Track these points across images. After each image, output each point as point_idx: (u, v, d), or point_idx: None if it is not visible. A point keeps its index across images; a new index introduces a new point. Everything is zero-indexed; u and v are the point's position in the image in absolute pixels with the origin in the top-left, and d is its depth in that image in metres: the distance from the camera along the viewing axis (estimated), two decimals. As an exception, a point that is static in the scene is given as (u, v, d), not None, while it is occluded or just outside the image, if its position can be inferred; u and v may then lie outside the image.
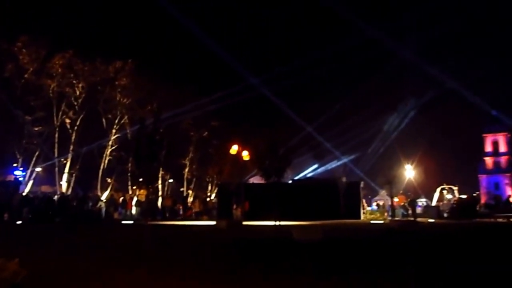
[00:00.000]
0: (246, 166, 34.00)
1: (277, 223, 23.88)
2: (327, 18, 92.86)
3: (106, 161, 40.74)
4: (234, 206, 29.78)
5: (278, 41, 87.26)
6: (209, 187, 48.82)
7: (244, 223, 24.91)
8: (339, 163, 42.66)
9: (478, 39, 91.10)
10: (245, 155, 32.59)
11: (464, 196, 45.29)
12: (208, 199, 42.58)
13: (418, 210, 39.57)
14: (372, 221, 30.31)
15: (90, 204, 32.75)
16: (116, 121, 41.09)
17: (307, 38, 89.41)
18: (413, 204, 35.61)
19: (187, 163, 45.86)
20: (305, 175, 48.15)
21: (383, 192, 40.45)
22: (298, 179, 40.08)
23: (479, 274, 7.78)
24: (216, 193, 37.20)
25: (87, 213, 30.64)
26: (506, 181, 75.55)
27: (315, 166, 49.51)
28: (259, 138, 31.66)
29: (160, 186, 42.15)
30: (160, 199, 40.50)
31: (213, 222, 25.91)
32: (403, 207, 36.59)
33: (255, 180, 34.02)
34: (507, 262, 9.85)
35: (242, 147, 32.90)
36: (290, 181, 37.66)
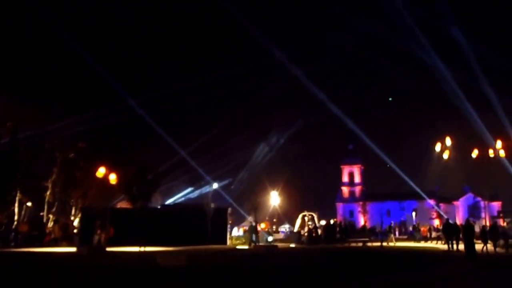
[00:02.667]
0: (114, 190, 33.00)
1: (142, 249, 23.55)
2: (208, 42, 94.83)
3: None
4: (98, 231, 28.54)
5: (154, 63, 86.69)
6: (73, 211, 46.03)
7: (108, 249, 24.06)
8: (210, 188, 43.31)
9: (346, 76, 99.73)
10: (113, 178, 31.66)
11: (323, 223, 48.76)
12: (74, 224, 40.11)
13: (281, 235, 41.68)
14: (237, 247, 31.20)
15: None
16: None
17: (185, 62, 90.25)
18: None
19: (50, 185, 42.84)
20: (177, 199, 47.97)
21: (250, 218, 41.90)
22: (167, 205, 39.84)
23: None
24: (80, 217, 35.31)
25: None
26: (359, 209, 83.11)
27: (188, 190, 49.61)
28: (129, 161, 31.08)
29: (16, 210, 38.71)
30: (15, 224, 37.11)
31: (74, 249, 24.61)
32: (268, 232, 38.27)
33: (124, 204, 33.16)
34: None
35: (110, 170, 31.92)
36: (159, 206, 37.32)
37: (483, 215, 44.47)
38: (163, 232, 29.08)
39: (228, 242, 32.79)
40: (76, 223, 36.12)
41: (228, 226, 34.61)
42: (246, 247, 30.53)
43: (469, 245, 20.75)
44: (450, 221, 27.15)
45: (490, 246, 23.13)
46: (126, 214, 29.93)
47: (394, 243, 32.73)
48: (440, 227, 37.01)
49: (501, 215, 47.65)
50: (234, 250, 29.10)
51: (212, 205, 35.17)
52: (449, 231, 23.15)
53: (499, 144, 33.49)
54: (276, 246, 29.23)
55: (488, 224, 34.54)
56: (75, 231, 34.42)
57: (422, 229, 37.67)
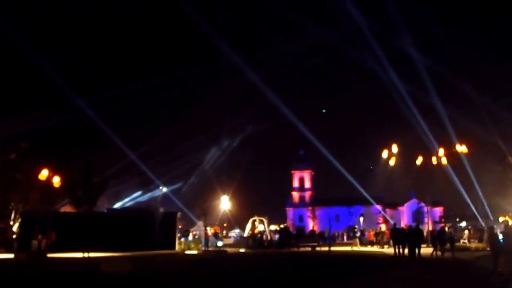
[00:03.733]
0: (57, 193, 31.65)
1: (86, 255, 22.69)
2: (161, 44, 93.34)
3: None
4: (39, 237, 27.24)
5: (104, 62, 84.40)
6: (12, 216, 43.77)
7: (49, 255, 23.02)
8: (160, 192, 42.43)
9: (299, 82, 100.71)
10: (56, 181, 30.37)
11: (273, 227, 49.00)
12: (13, 229, 38.07)
13: (231, 240, 41.47)
14: (186, 252, 30.78)
15: None
16: None
17: (137, 63, 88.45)
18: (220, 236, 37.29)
19: (-14, 188, 40.53)
20: (125, 203, 46.69)
21: (200, 223, 41.41)
22: (113, 209, 38.70)
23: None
24: (20, 222, 33.58)
25: None
26: (309, 214, 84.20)
27: (137, 194, 48.43)
28: (74, 163, 29.94)
29: None
30: None
31: (12, 255, 23.40)
32: (217, 237, 37.90)
33: (68, 208, 31.90)
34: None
35: (54, 172, 30.60)
36: (105, 210, 36.20)
37: (426, 220, 46.01)
38: (108, 237, 28.23)
39: (177, 247, 32.22)
40: (15, 228, 34.32)
41: (177, 230, 34.03)
42: (195, 252, 30.18)
43: (413, 250, 21.33)
44: (398, 226, 27.82)
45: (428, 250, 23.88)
46: (70, 219, 28.87)
47: (359, 247, 33.06)
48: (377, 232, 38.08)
49: (442, 220, 49.61)
50: (182, 255, 28.69)
51: (161, 210, 34.51)
52: (396, 236, 23.52)
53: (441, 152, 34.77)
54: (226, 251, 29.05)
55: (430, 229, 35.69)
56: (14, 236, 32.73)
57: (369, 233, 38.41)
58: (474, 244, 32.99)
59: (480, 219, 41.97)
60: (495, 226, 27.32)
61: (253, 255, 28.04)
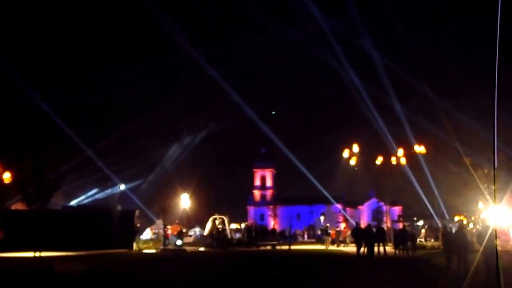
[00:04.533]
0: (8, 190, 30.19)
1: (38, 254, 21.75)
2: (121, 37, 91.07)
3: None
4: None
5: (60, 55, 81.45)
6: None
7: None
8: (118, 189, 41.31)
9: (262, 80, 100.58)
10: (7, 177, 28.96)
11: (233, 226, 48.67)
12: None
13: (191, 239, 40.85)
14: (145, 251, 30.07)
15: None
16: None
17: (94, 56, 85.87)
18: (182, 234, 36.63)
19: None
20: (82, 201, 45.28)
21: (159, 221, 40.58)
22: (68, 206, 37.39)
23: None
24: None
25: None
26: (270, 212, 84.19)
27: (94, 191, 47.05)
28: (26, 159, 28.61)
29: None
30: None
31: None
32: (177, 236, 37.20)
33: (19, 206, 30.57)
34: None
35: (4, 168, 29.16)
36: (59, 208, 34.94)
37: (385, 219, 46.83)
38: (63, 236, 27.19)
39: (135, 246, 31.40)
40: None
41: (136, 229, 33.18)
42: (153, 251, 29.51)
43: (371, 249, 21.43)
44: (361, 225, 27.89)
45: (390, 249, 24.16)
46: (21, 216, 27.62)
47: (327, 247, 33.03)
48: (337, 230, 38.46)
49: (400, 219, 50.52)
50: (140, 254, 28.01)
51: (119, 207, 33.56)
52: (358, 235, 23.43)
53: (400, 152, 35.36)
54: (185, 249, 28.56)
55: (389, 227, 36.28)
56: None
57: (332, 232, 38.58)
58: (430, 243, 33.74)
59: (436, 218, 42.99)
60: (450, 225, 27.97)
61: (213, 254, 27.65)
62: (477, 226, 31.89)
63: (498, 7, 6.59)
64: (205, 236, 39.12)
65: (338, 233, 36.56)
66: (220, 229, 38.25)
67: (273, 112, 56.60)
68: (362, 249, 22.28)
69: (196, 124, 57.59)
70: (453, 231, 19.08)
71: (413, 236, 25.36)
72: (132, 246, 31.00)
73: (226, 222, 42.37)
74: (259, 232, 40.22)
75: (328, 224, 49.93)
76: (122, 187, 39.90)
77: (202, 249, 32.69)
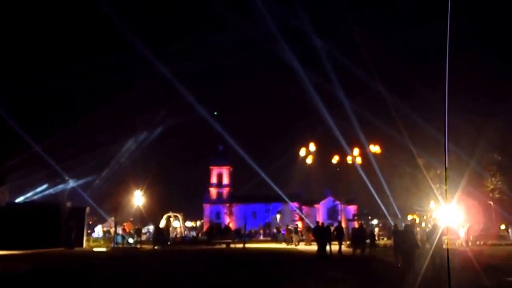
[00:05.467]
0: None
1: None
2: (76, 30, 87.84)
3: None
4: None
5: (9, 46, 77.72)
6: None
7: None
8: (69, 186, 39.87)
9: (219, 76, 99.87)
10: None
11: (189, 224, 48.07)
12: None
13: (145, 237, 39.98)
14: (95, 249, 29.14)
15: None
16: None
17: (46, 49, 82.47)
18: (139, 232, 35.74)
19: None
20: (29, 197, 43.41)
21: (111, 219, 39.47)
22: (14, 203, 35.62)
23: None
24: None
25: None
26: (225, 210, 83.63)
27: (43, 187, 45.23)
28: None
29: None
30: None
31: None
32: (129, 234, 36.30)
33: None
34: None
35: None
36: (4, 205, 33.26)
37: (340, 217, 47.51)
38: (7, 233, 25.88)
39: (85, 244, 30.34)
40: None
41: (86, 227, 32.01)
42: (103, 249, 28.63)
43: (323, 247, 21.40)
44: (324, 224, 27.80)
45: (345, 247, 24.34)
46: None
47: (296, 244, 32.85)
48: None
49: (355, 218, 51.41)
50: (89, 252, 27.09)
51: (69, 204, 32.31)
52: (318, 234, 23.24)
53: (356, 151, 35.86)
54: (137, 248, 27.91)
55: (344, 226, 36.74)
56: None
57: (289, 229, 38.58)
58: (383, 241, 34.36)
59: (389, 218, 43.94)
60: (403, 224, 28.49)
61: (166, 252, 27.04)
62: (429, 225, 32.72)
63: (448, 13, 6.61)
64: (159, 233, 38.31)
65: (291, 231, 36.60)
66: (175, 227, 37.65)
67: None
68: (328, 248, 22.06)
69: (152, 120, 56.42)
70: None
71: (373, 235, 25.64)
72: (82, 244, 29.94)
73: (180, 219, 41.81)
74: (219, 230, 39.89)
75: (280, 224, 50.14)
76: (72, 183, 38.58)
77: (156, 247, 31.98)
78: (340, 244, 23.13)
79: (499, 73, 46.15)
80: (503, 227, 39.73)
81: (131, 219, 44.95)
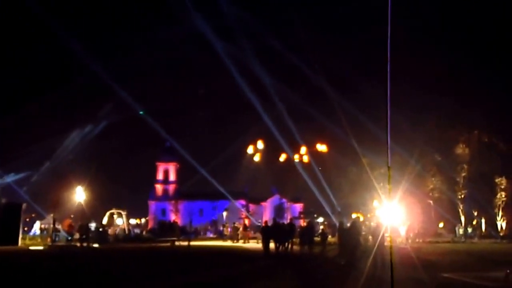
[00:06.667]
0: None
1: None
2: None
3: None
4: None
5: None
6: None
7: None
8: (2, 181, 37.75)
9: (165, 72, 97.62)
10: None
11: (133, 221, 46.86)
12: None
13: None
14: (31, 247, 27.74)
15: None
16: None
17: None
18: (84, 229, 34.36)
19: None
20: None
21: (49, 216, 37.78)
22: None
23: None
24: None
25: None
26: (171, 207, 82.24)
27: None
28: None
29: None
30: None
31: None
32: (69, 232, 34.82)
33: None
34: None
35: None
36: None
37: (286, 215, 47.97)
38: None
39: (20, 242, 28.82)
40: None
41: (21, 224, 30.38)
42: (41, 247, 27.33)
43: (267, 245, 21.25)
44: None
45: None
46: None
47: (244, 242, 32.44)
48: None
49: (302, 216, 52.11)
50: (25, 251, 25.72)
51: (3, 200, 30.66)
52: (267, 233, 22.76)
53: (303, 150, 36.25)
54: (76, 245, 26.94)
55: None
56: None
57: (235, 226, 38.28)
58: (329, 239, 34.80)
59: (332, 216, 44.76)
60: (347, 222, 28.97)
61: (108, 250, 26.11)
62: (372, 223, 33.51)
63: (388, 16, 6.62)
64: (101, 231, 37.04)
65: (237, 229, 36.38)
66: (119, 224, 36.58)
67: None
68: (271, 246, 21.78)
69: (95, 114, 54.39)
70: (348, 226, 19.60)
71: (325, 234, 25.83)
72: (17, 242, 28.45)
73: (124, 216, 40.70)
74: (167, 228, 39.00)
75: (227, 221, 49.83)
76: (7, 179, 36.61)
77: (96, 245, 30.88)
78: (291, 242, 23.01)
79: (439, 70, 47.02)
80: (441, 225, 41.47)
81: (72, 216, 43.25)
